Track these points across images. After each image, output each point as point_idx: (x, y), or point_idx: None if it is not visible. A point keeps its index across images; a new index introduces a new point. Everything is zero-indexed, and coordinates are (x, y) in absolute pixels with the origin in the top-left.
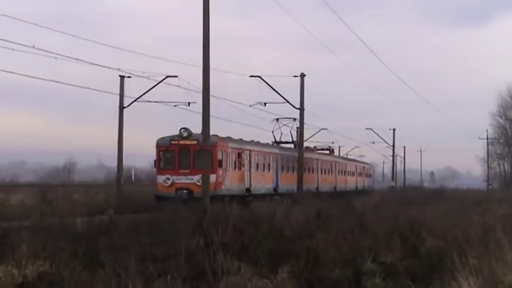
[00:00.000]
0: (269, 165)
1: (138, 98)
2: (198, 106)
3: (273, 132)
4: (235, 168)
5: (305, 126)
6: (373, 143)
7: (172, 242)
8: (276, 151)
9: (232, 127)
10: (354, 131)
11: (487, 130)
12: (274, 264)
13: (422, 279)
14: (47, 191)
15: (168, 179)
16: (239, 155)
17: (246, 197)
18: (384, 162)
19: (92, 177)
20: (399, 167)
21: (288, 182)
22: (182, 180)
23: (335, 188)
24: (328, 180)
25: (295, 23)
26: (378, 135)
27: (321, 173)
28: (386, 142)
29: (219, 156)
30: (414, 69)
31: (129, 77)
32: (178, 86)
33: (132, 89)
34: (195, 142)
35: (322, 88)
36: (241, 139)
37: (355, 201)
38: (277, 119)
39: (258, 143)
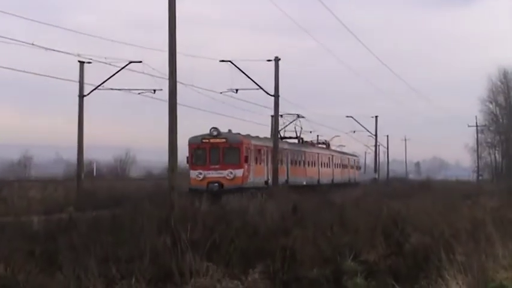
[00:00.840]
0: (281, 160)
1: (99, 86)
2: (165, 94)
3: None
4: (256, 163)
5: (281, 114)
6: (354, 132)
7: (136, 242)
8: (286, 147)
9: (201, 116)
10: (334, 119)
11: (476, 117)
12: (248, 264)
13: (407, 278)
14: (0, 187)
15: (200, 173)
16: (259, 151)
17: (265, 189)
18: (365, 152)
19: (50, 172)
20: (382, 157)
21: (296, 175)
22: (213, 174)
23: (332, 180)
24: (327, 173)
25: (269, 4)
26: (359, 123)
27: (321, 166)
28: (368, 131)
29: (245, 153)
30: (398, 53)
31: (89, 62)
32: (143, 73)
33: (93, 76)
34: (224, 140)
35: (299, 74)
36: (257, 136)
37: (334, 195)
38: (281, 115)
39: (271, 140)
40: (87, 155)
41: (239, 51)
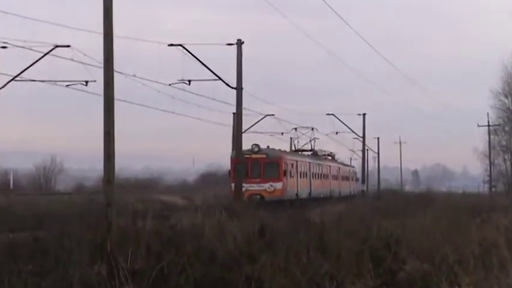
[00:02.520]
0: (306, 173)
1: (16, 76)
2: (99, 86)
3: (293, 139)
4: (291, 177)
5: (245, 111)
6: (337, 133)
7: (63, 271)
8: (308, 160)
9: (146, 114)
10: (311, 118)
11: (488, 114)
12: None
13: None
14: None
15: (243, 186)
16: (292, 165)
17: (294, 201)
18: (351, 158)
19: None
20: (372, 164)
21: (318, 188)
22: (254, 187)
23: (339, 193)
24: (336, 185)
25: None
26: (342, 122)
27: (332, 179)
28: (353, 132)
29: (284, 167)
30: (391, 37)
31: (3, 47)
32: (72, 60)
33: (10, 64)
34: (264, 156)
35: (268, 61)
36: (285, 150)
37: (311, 211)
38: (295, 128)
39: (298, 154)
40: (2, 163)
41: (192, 34)
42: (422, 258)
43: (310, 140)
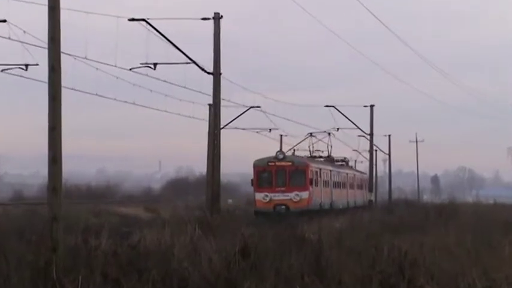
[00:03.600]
0: (328, 181)
1: None
2: (43, 70)
3: (309, 147)
4: (316, 186)
5: (224, 102)
6: (338, 129)
7: None
8: (330, 167)
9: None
10: (306, 111)
11: None
12: None
13: None
14: None
15: (267, 196)
16: (316, 173)
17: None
18: (355, 161)
19: None
20: (381, 169)
21: (338, 197)
22: (279, 197)
23: (355, 203)
24: (352, 194)
25: None
26: (345, 116)
27: (350, 188)
28: (359, 128)
29: (310, 175)
30: (407, 12)
31: None
32: (9, 38)
33: None
34: (290, 163)
35: (252, 40)
36: (309, 157)
37: (305, 227)
38: (311, 134)
39: (320, 161)
40: None
41: (157, 7)
42: (444, 285)
43: (328, 146)
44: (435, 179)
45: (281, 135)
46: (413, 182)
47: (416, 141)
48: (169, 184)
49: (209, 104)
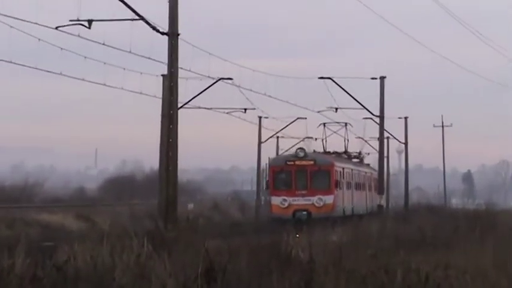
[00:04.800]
0: (350, 183)
1: None
2: None
3: (322, 140)
4: (340, 188)
5: (184, 73)
6: (336, 110)
7: None
8: (351, 166)
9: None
10: (294, 85)
11: None
12: None
13: None
14: None
15: (285, 200)
16: (340, 174)
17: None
18: (360, 152)
19: None
20: (395, 162)
21: (359, 201)
22: (300, 201)
23: (368, 207)
24: (369, 197)
25: None
26: (346, 91)
27: (368, 189)
28: (364, 108)
29: (335, 176)
30: None
31: None
32: None
33: None
34: (311, 162)
35: None
36: (331, 153)
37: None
38: (324, 124)
39: (341, 158)
40: None
41: None
42: None
43: (345, 140)
44: (468, 177)
45: (260, 117)
46: (438, 181)
47: (443, 127)
48: (109, 183)
49: (163, 75)
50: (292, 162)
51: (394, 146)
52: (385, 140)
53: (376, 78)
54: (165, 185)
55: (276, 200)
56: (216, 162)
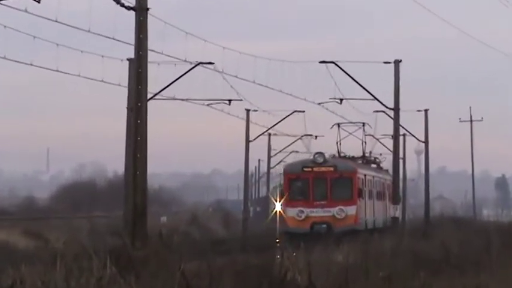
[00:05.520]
0: (372, 191)
1: None
2: None
3: (337, 143)
4: (362, 198)
5: (154, 56)
6: (341, 101)
7: None
8: (373, 173)
9: None
10: (288, 70)
11: None
12: None
13: None
14: None
15: (302, 211)
16: (363, 181)
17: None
18: (370, 152)
19: None
20: (413, 164)
21: (380, 212)
22: (319, 213)
23: (386, 221)
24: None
25: None
26: (352, 79)
27: (388, 198)
28: (375, 98)
29: (358, 184)
30: None
31: None
32: None
33: None
34: (332, 169)
35: None
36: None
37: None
38: (338, 125)
39: (361, 163)
40: None
41: None
42: None
43: (362, 143)
44: (502, 183)
45: (248, 110)
46: (465, 188)
47: (471, 121)
48: (63, 191)
49: (129, 59)
50: (310, 169)
51: (412, 146)
52: (401, 138)
53: (389, 63)
54: (132, 193)
55: (291, 212)
56: (194, 166)
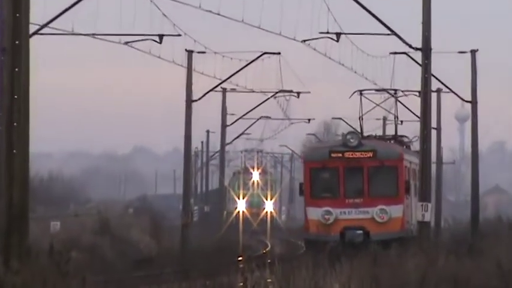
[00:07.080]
0: (415, 185)
1: None
2: None
3: (359, 118)
4: (409, 194)
5: None
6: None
7: None
8: (414, 160)
9: None
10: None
11: None
12: None
13: None
14: None
15: (329, 212)
16: (409, 172)
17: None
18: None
19: None
20: (453, 142)
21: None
22: (352, 214)
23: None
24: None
25: None
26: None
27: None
28: (393, 32)
29: (406, 176)
30: None
31: None
32: None
33: None
34: (369, 154)
35: None
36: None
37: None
38: (360, 92)
39: (400, 146)
40: None
41: None
42: None
43: (395, 118)
44: None
45: (189, 52)
46: None
47: None
48: None
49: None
50: (341, 155)
51: (451, 109)
52: (434, 96)
53: (419, 24)
54: (5, 184)
55: (314, 213)
56: (105, 142)
